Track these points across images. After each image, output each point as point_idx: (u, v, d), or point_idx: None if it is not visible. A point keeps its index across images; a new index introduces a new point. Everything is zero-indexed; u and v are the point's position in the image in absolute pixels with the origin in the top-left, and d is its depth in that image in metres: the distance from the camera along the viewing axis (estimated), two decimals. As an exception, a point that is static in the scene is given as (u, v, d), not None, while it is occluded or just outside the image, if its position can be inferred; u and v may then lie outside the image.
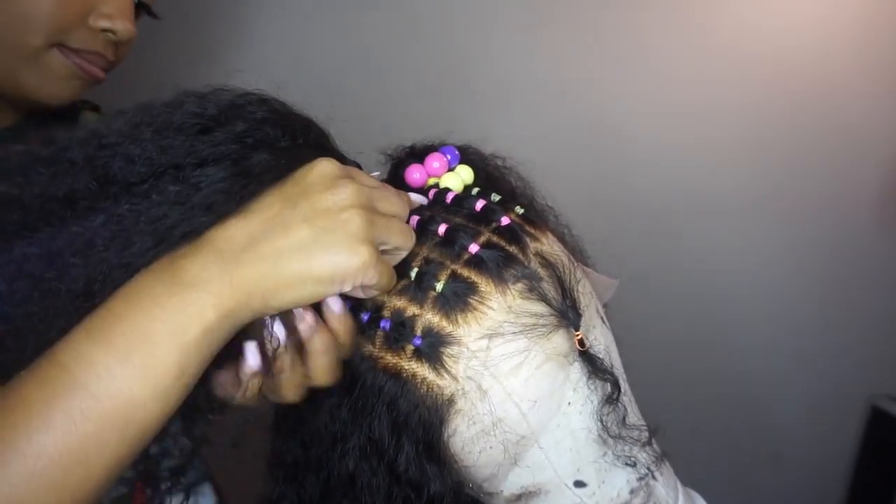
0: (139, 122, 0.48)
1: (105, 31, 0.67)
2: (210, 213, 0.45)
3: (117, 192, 0.47)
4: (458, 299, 0.49)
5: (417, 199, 0.55)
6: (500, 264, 0.50)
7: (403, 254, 0.50)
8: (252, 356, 0.47)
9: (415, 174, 0.57)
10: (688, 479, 0.61)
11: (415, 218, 0.53)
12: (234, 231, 0.44)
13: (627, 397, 0.56)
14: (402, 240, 0.49)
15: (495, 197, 0.57)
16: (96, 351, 0.41)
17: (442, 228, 0.52)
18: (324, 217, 0.44)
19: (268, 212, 0.45)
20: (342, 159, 0.53)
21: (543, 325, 0.50)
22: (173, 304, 0.41)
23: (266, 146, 0.48)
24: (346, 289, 0.46)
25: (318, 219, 0.44)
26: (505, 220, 0.53)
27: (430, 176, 0.58)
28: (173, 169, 0.47)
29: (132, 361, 0.40)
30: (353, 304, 0.51)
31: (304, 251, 0.44)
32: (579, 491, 0.53)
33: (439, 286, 0.50)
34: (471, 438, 0.51)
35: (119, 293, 0.43)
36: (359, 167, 0.55)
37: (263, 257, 0.43)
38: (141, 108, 0.50)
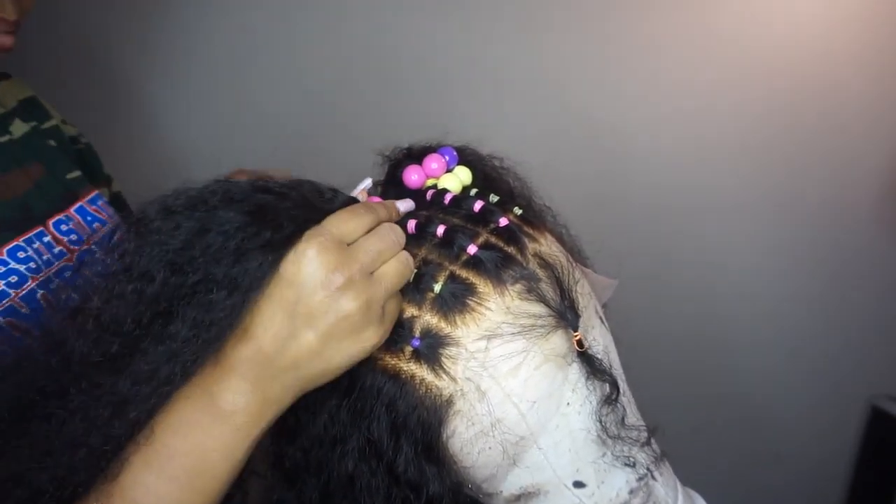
0: (116, 277, 0.49)
1: None
2: (217, 341, 0.48)
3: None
4: (457, 300, 0.49)
5: (405, 206, 0.55)
6: (498, 265, 0.50)
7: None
8: None
9: (413, 176, 0.58)
10: (688, 478, 0.61)
11: (412, 221, 0.53)
12: (250, 353, 0.47)
13: (626, 398, 0.56)
14: (402, 279, 0.50)
15: (493, 198, 0.57)
16: (162, 485, 0.46)
17: (440, 230, 0.52)
18: (324, 318, 0.46)
19: (273, 327, 0.47)
20: (328, 202, 0.52)
21: (542, 326, 0.50)
22: (222, 434, 0.46)
23: (245, 252, 0.48)
24: None
25: (320, 323, 0.46)
26: (503, 221, 0.53)
27: (428, 177, 0.58)
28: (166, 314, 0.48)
29: (195, 488, 0.46)
30: None
31: (317, 356, 0.47)
32: (578, 491, 0.53)
33: (438, 287, 0.50)
34: (470, 439, 0.51)
35: (168, 425, 0.47)
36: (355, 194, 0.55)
37: (285, 370, 0.47)
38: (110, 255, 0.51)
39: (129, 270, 0.48)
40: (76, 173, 0.73)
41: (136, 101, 1.25)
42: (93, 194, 0.74)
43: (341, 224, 0.48)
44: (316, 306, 0.46)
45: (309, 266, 0.46)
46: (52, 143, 0.74)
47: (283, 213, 0.48)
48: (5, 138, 0.69)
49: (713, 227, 1.55)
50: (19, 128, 0.71)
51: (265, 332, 0.46)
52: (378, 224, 0.50)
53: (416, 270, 0.51)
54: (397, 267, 0.49)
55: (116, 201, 0.85)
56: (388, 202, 0.54)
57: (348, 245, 0.48)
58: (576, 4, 1.34)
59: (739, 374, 1.67)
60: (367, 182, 0.56)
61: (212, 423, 0.46)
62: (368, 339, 0.48)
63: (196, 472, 0.46)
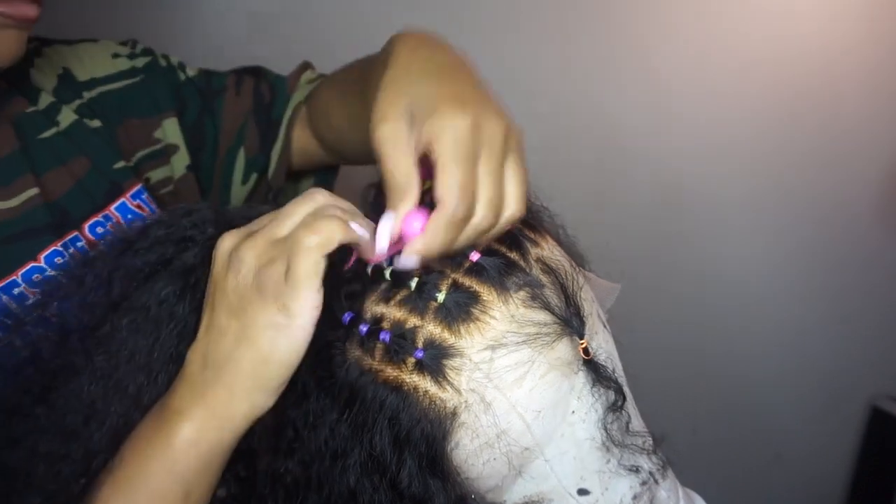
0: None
1: None
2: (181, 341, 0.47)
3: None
4: (460, 309, 0.48)
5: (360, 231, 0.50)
6: (501, 272, 0.50)
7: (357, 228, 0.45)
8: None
9: None
10: (688, 479, 0.60)
11: None
12: (192, 355, 0.46)
13: (630, 404, 0.56)
14: (326, 236, 0.43)
15: (494, 201, 0.56)
16: (112, 495, 0.44)
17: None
18: (231, 294, 0.44)
19: (205, 321, 0.45)
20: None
21: (547, 334, 0.50)
22: (160, 440, 0.44)
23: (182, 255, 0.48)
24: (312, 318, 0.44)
25: (231, 300, 0.44)
26: (505, 226, 0.52)
27: (425, 180, 0.57)
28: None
29: (138, 501, 0.44)
30: (353, 316, 0.50)
31: (242, 340, 0.44)
32: (582, 499, 0.52)
33: (440, 296, 0.49)
34: (474, 451, 0.50)
35: (131, 445, 0.45)
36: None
37: (219, 367, 0.44)
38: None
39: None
40: (120, 163, 0.71)
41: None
42: (136, 188, 0.71)
43: (260, 220, 0.47)
44: (226, 290, 0.44)
45: (219, 250, 0.46)
46: (97, 123, 0.71)
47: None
48: (52, 131, 0.67)
49: (714, 229, 1.56)
50: (67, 117, 0.68)
51: (200, 330, 0.46)
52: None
53: (416, 279, 0.50)
54: (314, 225, 0.43)
55: (197, 89, 0.79)
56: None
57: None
58: (575, 4, 1.34)
59: (740, 374, 1.67)
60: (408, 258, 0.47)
61: (153, 429, 0.45)
62: (291, 315, 0.43)
63: (138, 482, 0.44)
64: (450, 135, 0.43)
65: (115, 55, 0.75)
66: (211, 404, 0.44)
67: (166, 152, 0.76)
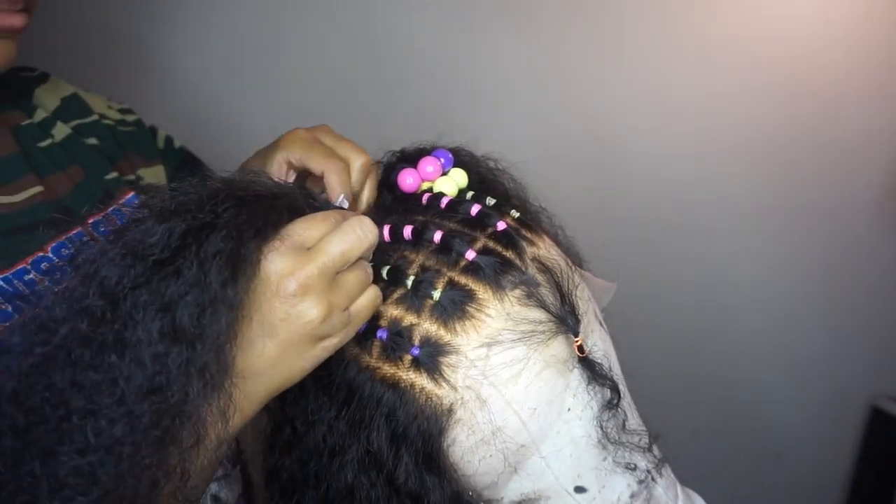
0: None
1: None
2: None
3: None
4: (456, 307, 0.49)
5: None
6: (497, 270, 0.50)
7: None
8: None
9: (408, 179, 0.57)
10: (688, 479, 0.60)
11: (409, 227, 0.53)
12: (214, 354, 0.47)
13: (627, 402, 0.56)
14: (369, 280, 0.49)
15: (490, 201, 0.56)
16: None
17: (437, 235, 0.51)
18: (281, 326, 0.46)
19: (238, 336, 0.46)
20: (300, 206, 0.51)
21: (542, 332, 0.50)
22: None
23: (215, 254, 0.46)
24: None
25: (279, 331, 0.46)
26: (501, 225, 0.53)
27: (423, 180, 0.57)
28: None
29: None
30: None
31: (279, 363, 0.46)
32: (579, 496, 0.53)
33: (436, 294, 0.49)
34: (470, 448, 0.50)
35: None
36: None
37: (243, 378, 0.46)
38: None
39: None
40: (113, 174, 0.73)
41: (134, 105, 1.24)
42: (128, 196, 0.73)
43: (300, 230, 0.47)
44: (271, 314, 0.45)
45: (262, 273, 0.45)
46: (94, 140, 0.74)
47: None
48: (47, 142, 0.69)
49: (713, 228, 1.55)
50: (61, 130, 0.71)
51: (236, 340, 0.46)
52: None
53: (413, 277, 0.50)
54: (356, 282, 0.48)
55: (181, 155, 0.85)
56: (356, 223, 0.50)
57: (308, 249, 0.47)
58: (574, 5, 1.34)
59: (739, 374, 1.67)
60: (342, 200, 0.55)
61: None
62: (332, 343, 0.47)
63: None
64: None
65: (109, 106, 0.79)
66: (239, 404, 0.46)
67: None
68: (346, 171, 0.57)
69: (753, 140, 1.49)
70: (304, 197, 0.51)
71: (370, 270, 0.49)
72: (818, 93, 1.48)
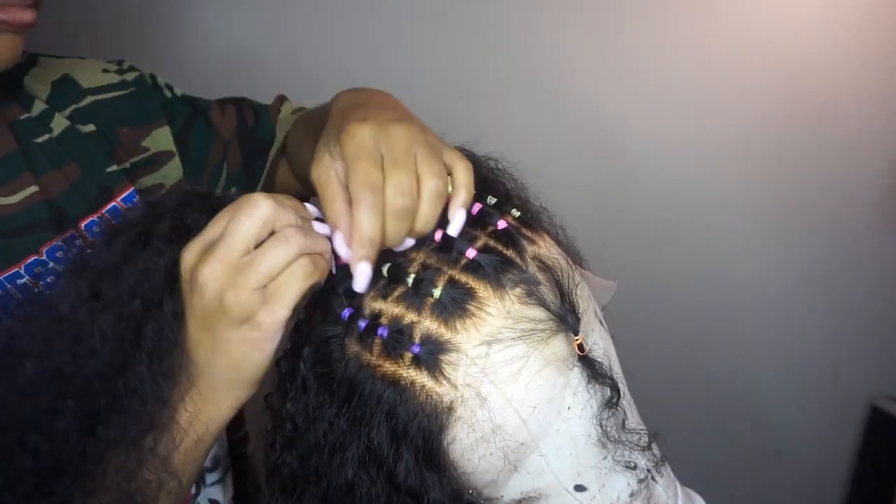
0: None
1: None
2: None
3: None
4: (457, 305, 0.49)
5: (312, 210, 0.53)
6: (497, 269, 0.50)
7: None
8: None
9: None
10: (688, 478, 0.60)
11: None
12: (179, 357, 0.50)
13: (627, 401, 0.56)
14: (280, 266, 0.47)
15: (491, 200, 0.56)
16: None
17: (438, 234, 0.51)
18: (206, 318, 0.47)
19: (183, 328, 0.49)
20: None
21: (542, 330, 0.50)
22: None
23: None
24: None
25: (205, 323, 0.48)
26: (501, 224, 0.53)
27: None
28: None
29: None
30: (352, 312, 0.51)
31: (219, 354, 0.48)
32: (579, 495, 0.53)
33: (437, 292, 0.49)
34: (470, 445, 0.50)
35: None
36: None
37: (199, 371, 0.49)
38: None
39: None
40: (112, 167, 0.73)
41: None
42: (128, 191, 0.72)
43: (208, 227, 0.49)
44: (190, 303, 0.48)
45: (181, 268, 0.48)
46: (91, 127, 0.73)
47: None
48: (45, 137, 0.69)
49: (713, 227, 1.55)
50: (59, 123, 0.70)
51: (182, 333, 0.50)
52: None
53: (414, 275, 0.50)
54: (276, 252, 0.46)
55: (185, 103, 0.83)
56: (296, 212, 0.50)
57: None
58: (574, 4, 1.34)
59: (740, 374, 1.67)
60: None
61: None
62: (261, 322, 0.46)
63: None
64: (349, 144, 0.48)
65: (105, 70, 0.77)
66: (195, 401, 0.49)
67: (157, 160, 0.78)
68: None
69: (753, 140, 1.49)
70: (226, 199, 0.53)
71: (301, 242, 0.47)
72: (818, 93, 1.48)
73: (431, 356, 0.49)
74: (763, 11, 1.43)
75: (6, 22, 0.56)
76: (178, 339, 0.49)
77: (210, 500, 0.71)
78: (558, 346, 0.51)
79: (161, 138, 0.78)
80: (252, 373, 0.49)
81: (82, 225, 0.68)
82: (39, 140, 0.68)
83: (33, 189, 0.65)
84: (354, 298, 0.51)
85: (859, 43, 1.47)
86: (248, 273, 0.46)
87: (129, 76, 0.78)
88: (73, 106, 0.73)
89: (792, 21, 1.44)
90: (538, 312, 0.50)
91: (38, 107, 0.70)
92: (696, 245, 1.55)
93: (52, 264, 0.63)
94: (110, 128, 0.75)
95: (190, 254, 0.48)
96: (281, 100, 0.89)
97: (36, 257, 0.63)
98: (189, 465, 0.51)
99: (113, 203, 0.71)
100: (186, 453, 0.50)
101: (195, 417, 0.50)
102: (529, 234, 0.55)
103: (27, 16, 0.58)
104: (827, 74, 1.47)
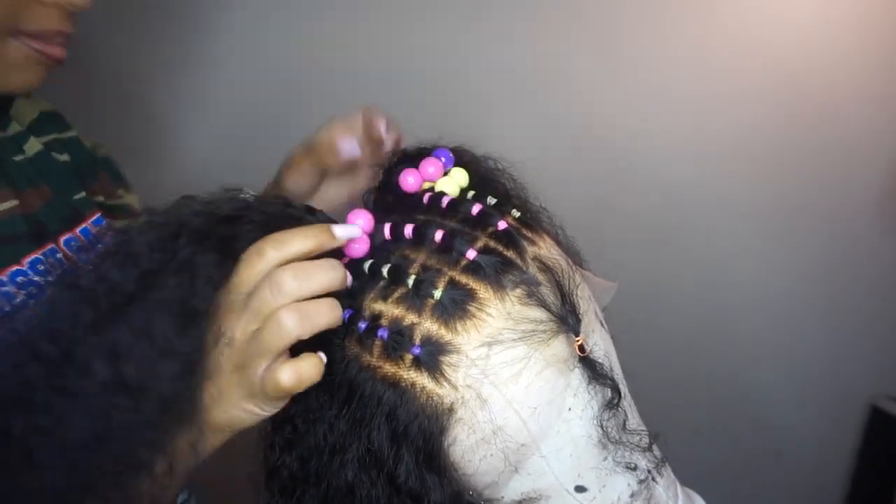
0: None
1: (59, 3, 0.60)
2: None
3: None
4: (457, 307, 0.49)
5: (345, 233, 0.50)
6: (498, 270, 0.50)
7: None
8: None
9: (409, 179, 0.57)
10: (688, 478, 0.60)
11: (409, 226, 0.53)
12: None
13: (627, 402, 0.56)
14: (266, 314, 0.46)
15: (491, 200, 0.56)
16: None
17: (438, 235, 0.51)
18: (213, 369, 0.48)
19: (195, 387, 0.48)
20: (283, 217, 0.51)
21: (543, 332, 0.50)
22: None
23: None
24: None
25: (212, 372, 0.48)
26: (502, 225, 0.53)
27: (425, 180, 0.57)
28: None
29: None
30: (352, 314, 0.51)
31: (216, 404, 0.49)
32: (580, 496, 0.53)
33: (437, 294, 0.49)
34: (471, 447, 0.50)
35: None
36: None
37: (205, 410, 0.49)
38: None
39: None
40: (81, 194, 0.75)
41: (137, 107, 1.24)
42: (96, 216, 0.75)
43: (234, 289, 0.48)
44: (214, 359, 0.48)
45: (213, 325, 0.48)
46: (66, 157, 0.75)
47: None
48: (20, 157, 0.70)
49: (713, 227, 1.55)
50: (33, 146, 0.72)
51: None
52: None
53: (414, 276, 0.50)
54: (282, 323, 0.45)
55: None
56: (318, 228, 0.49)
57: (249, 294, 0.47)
58: (574, 4, 1.34)
59: (740, 374, 1.67)
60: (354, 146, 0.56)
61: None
62: (248, 409, 0.48)
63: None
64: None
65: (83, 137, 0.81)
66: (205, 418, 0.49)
67: (128, 211, 0.82)
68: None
69: (753, 140, 1.49)
70: (283, 207, 0.52)
71: (285, 288, 0.45)
72: (818, 93, 1.48)
73: (432, 357, 0.48)
74: (763, 11, 1.43)
75: (42, 52, 0.61)
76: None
77: None
78: (559, 347, 0.51)
79: (134, 199, 0.83)
80: (247, 426, 0.50)
81: (61, 240, 0.70)
82: (16, 158, 0.70)
83: (13, 202, 0.66)
84: (354, 300, 0.51)
85: (859, 43, 1.46)
86: (248, 316, 0.46)
87: (101, 151, 0.83)
88: (55, 135, 0.75)
89: (792, 21, 1.44)
90: (539, 313, 0.50)
91: (14, 128, 0.71)
92: (696, 245, 1.55)
93: (32, 276, 0.64)
94: (91, 167, 0.78)
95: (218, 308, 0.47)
96: None
97: (18, 268, 0.64)
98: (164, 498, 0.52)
99: (84, 225, 0.73)
100: (164, 487, 0.50)
101: (192, 451, 0.50)
102: (529, 234, 0.55)
103: (60, 53, 0.62)
104: (827, 74, 1.47)
